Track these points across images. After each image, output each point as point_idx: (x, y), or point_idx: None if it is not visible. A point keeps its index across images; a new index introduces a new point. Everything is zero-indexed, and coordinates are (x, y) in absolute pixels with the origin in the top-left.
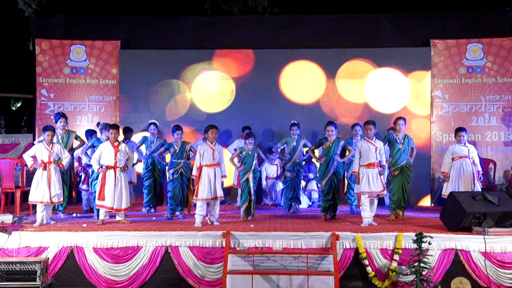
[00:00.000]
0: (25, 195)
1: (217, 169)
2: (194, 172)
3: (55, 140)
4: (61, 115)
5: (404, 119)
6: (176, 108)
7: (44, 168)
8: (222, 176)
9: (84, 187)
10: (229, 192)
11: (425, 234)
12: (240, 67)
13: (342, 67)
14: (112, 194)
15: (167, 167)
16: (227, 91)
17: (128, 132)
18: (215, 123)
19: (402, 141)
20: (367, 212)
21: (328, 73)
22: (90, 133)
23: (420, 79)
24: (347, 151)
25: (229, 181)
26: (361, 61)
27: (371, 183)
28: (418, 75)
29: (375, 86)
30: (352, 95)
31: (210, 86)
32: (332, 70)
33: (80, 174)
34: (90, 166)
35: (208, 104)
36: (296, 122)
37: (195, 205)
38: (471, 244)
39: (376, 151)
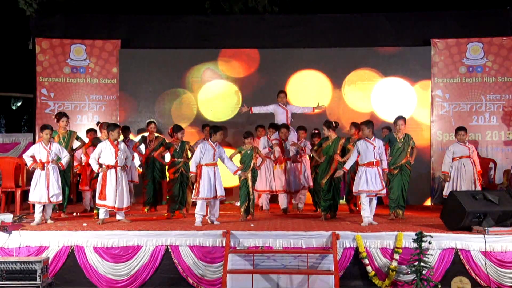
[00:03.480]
0: (25, 194)
1: (216, 168)
2: (193, 169)
3: (56, 139)
4: (63, 115)
5: (404, 119)
6: (176, 108)
7: (42, 168)
8: (234, 172)
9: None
10: (229, 191)
11: (425, 233)
12: (241, 67)
13: (348, 76)
14: (114, 193)
15: (166, 167)
16: (230, 91)
17: (126, 131)
18: (217, 124)
19: (402, 140)
20: (367, 212)
21: (334, 81)
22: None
23: (425, 88)
24: (346, 150)
25: (229, 181)
26: (368, 70)
27: (369, 182)
28: (424, 85)
29: (382, 95)
30: (358, 104)
31: (211, 86)
32: (339, 79)
33: (79, 174)
34: (89, 165)
35: (209, 104)
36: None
37: (194, 204)
38: (471, 243)
39: (374, 150)
